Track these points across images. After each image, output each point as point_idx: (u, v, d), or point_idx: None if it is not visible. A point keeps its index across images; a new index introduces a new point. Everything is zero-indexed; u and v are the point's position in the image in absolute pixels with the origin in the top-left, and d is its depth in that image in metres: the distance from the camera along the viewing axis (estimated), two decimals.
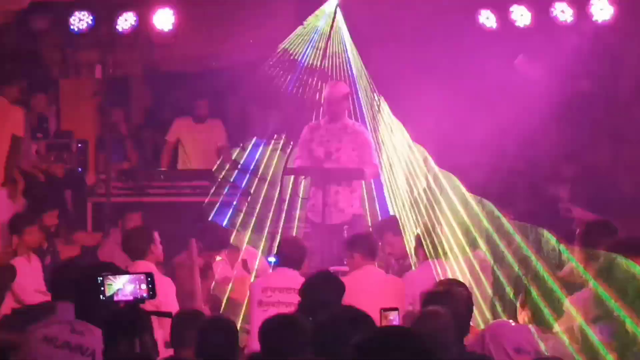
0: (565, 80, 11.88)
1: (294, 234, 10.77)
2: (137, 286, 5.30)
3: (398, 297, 8.19)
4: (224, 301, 9.25)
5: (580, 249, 7.31)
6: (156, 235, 8.58)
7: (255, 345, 6.11)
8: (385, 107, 10.89)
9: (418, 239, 8.80)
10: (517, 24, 11.19)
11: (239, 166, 12.04)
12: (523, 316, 6.41)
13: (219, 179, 11.97)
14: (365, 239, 8.79)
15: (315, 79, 11.59)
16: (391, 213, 10.27)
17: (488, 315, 8.87)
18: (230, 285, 9.44)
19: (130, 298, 5.31)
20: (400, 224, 9.63)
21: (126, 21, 11.56)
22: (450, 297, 6.07)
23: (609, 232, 7.34)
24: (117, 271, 5.59)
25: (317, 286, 6.86)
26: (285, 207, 11.55)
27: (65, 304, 5.85)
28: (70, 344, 5.62)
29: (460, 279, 7.67)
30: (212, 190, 11.66)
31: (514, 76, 11.82)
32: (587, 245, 7.12)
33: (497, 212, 8.75)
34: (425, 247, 8.68)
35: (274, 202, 11.91)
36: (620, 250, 6.75)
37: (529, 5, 11.08)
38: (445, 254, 8.70)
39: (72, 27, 11.35)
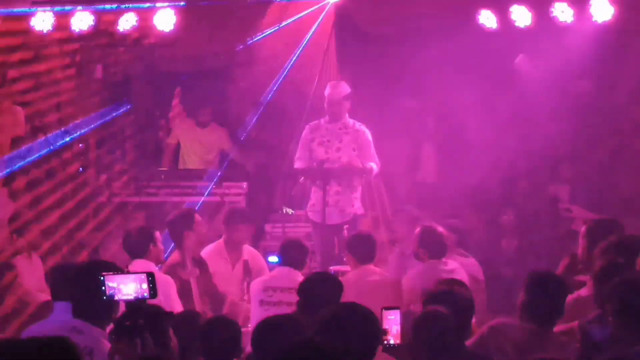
0: (565, 80, 11.88)
1: (296, 234, 10.81)
2: (138, 285, 5.30)
3: (397, 297, 8.21)
4: None
5: (584, 247, 7.32)
6: (157, 234, 8.59)
7: None
8: None
9: (419, 238, 8.80)
10: (517, 24, 11.19)
11: None
12: None
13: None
14: (361, 241, 8.79)
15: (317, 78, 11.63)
16: None
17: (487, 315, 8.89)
18: None
19: (131, 297, 5.31)
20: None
21: (126, 21, 11.56)
22: (452, 297, 6.08)
23: (615, 230, 7.34)
24: (118, 270, 5.58)
25: (315, 286, 6.87)
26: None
27: (64, 304, 5.84)
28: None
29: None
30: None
31: (514, 76, 11.83)
32: (592, 243, 7.13)
33: None
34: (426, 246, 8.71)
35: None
36: (615, 250, 6.76)
37: (529, 5, 11.08)
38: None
39: (72, 27, 11.35)
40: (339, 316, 5.01)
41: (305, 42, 12.64)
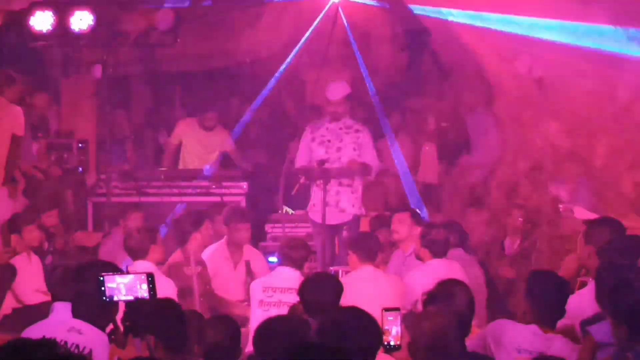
0: (565, 80, 11.87)
1: (296, 234, 10.80)
2: (138, 286, 5.29)
3: (397, 297, 8.20)
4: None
5: (584, 246, 7.31)
6: (159, 235, 8.59)
7: None
8: None
9: (420, 239, 8.80)
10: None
11: None
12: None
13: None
14: (364, 240, 8.79)
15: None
16: None
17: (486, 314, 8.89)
18: None
19: (131, 298, 5.30)
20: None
21: (126, 21, 11.55)
22: (452, 297, 6.07)
23: (615, 230, 7.32)
24: (118, 271, 5.58)
25: (315, 286, 6.85)
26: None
27: (64, 304, 5.84)
28: (67, 343, 5.61)
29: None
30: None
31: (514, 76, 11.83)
32: (592, 243, 7.11)
33: None
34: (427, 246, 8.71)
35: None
36: (616, 251, 6.75)
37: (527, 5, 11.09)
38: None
39: (72, 26, 11.34)
40: (340, 320, 5.00)
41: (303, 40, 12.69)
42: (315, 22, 12.63)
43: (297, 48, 12.73)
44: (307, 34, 12.68)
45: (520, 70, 11.51)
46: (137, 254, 8.47)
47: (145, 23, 11.70)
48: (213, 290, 9.32)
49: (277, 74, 12.89)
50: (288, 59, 12.80)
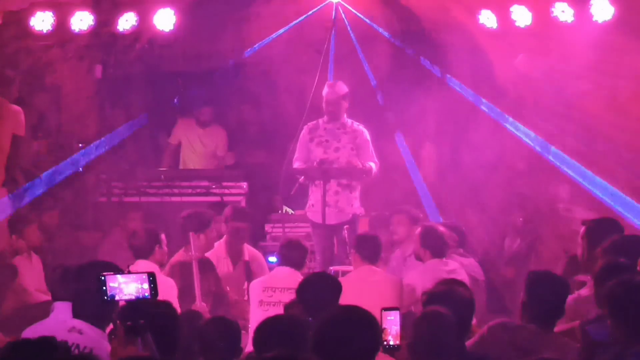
0: (565, 80, 11.88)
1: (295, 234, 10.81)
2: (139, 285, 5.30)
3: (397, 297, 8.21)
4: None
5: (584, 247, 7.31)
6: (163, 236, 8.59)
7: None
8: None
9: (420, 239, 8.81)
10: (517, 24, 11.19)
11: None
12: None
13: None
14: (367, 240, 8.81)
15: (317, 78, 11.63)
16: None
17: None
18: None
19: (132, 297, 5.31)
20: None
21: (126, 21, 11.54)
22: (452, 297, 6.08)
23: (615, 230, 7.32)
24: (119, 271, 5.58)
25: (314, 286, 6.87)
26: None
27: (64, 304, 5.85)
28: (67, 343, 5.62)
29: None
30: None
31: (514, 76, 11.84)
32: (591, 243, 7.12)
33: None
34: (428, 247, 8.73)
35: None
36: (616, 250, 6.75)
37: (529, 5, 11.08)
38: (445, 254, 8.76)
39: (72, 27, 11.34)
40: (339, 320, 5.00)
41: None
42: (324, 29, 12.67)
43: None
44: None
45: (520, 68, 11.52)
46: (140, 253, 8.48)
47: (145, 23, 11.70)
48: (221, 288, 9.28)
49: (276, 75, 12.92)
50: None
